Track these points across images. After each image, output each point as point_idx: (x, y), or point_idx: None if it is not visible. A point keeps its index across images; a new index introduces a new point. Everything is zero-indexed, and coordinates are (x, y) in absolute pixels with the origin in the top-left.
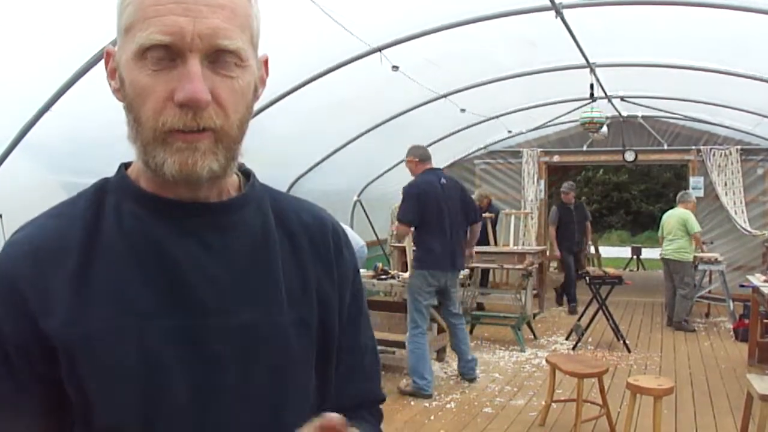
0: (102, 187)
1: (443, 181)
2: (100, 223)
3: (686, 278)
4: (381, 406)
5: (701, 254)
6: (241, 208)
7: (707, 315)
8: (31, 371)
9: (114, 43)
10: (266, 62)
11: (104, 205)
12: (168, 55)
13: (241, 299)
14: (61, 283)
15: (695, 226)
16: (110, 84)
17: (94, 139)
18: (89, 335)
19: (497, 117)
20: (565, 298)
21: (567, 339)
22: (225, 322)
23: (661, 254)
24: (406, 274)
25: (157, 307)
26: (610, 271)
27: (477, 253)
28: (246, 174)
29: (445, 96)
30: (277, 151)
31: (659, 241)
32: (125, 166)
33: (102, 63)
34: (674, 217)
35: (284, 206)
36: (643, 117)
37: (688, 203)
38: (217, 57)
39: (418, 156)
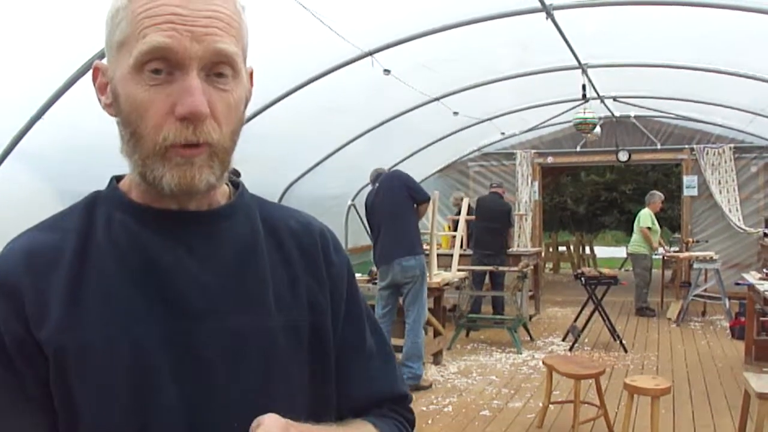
0: (93, 200)
1: (376, 185)
2: (91, 234)
3: (638, 269)
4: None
5: (696, 253)
6: (229, 217)
7: (703, 314)
8: (37, 378)
9: (101, 56)
10: (251, 74)
11: (95, 216)
12: (166, 68)
13: (229, 305)
14: (54, 292)
15: (642, 223)
16: (100, 99)
17: (87, 147)
18: (82, 343)
19: (490, 119)
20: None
21: (563, 340)
22: (214, 327)
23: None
24: None
25: (148, 314)
26: (606, 271)
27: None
28: (235, 184)
29: (437, 99)
30: (270, 156)
31: None
32: (117, 179)
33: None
34: (637, 216)
35: (272, 214)
36: (635, 117)
37: (651, 204)
38: (214, 68)
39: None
